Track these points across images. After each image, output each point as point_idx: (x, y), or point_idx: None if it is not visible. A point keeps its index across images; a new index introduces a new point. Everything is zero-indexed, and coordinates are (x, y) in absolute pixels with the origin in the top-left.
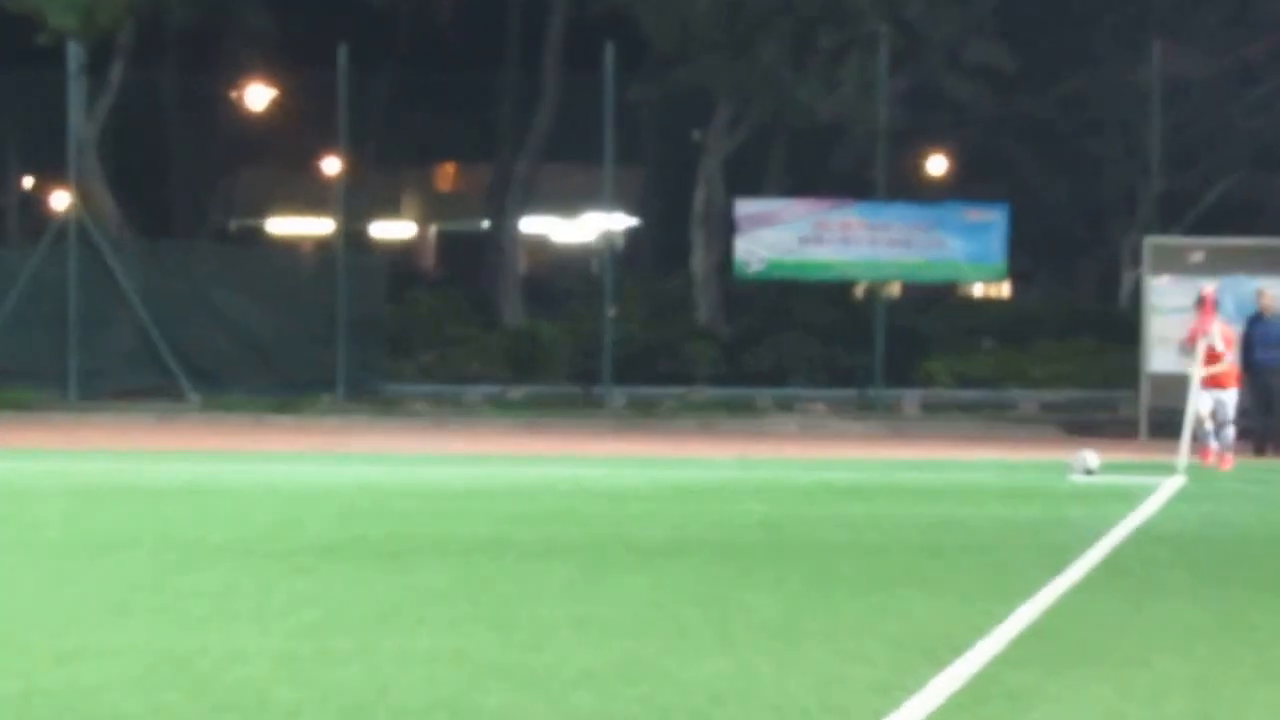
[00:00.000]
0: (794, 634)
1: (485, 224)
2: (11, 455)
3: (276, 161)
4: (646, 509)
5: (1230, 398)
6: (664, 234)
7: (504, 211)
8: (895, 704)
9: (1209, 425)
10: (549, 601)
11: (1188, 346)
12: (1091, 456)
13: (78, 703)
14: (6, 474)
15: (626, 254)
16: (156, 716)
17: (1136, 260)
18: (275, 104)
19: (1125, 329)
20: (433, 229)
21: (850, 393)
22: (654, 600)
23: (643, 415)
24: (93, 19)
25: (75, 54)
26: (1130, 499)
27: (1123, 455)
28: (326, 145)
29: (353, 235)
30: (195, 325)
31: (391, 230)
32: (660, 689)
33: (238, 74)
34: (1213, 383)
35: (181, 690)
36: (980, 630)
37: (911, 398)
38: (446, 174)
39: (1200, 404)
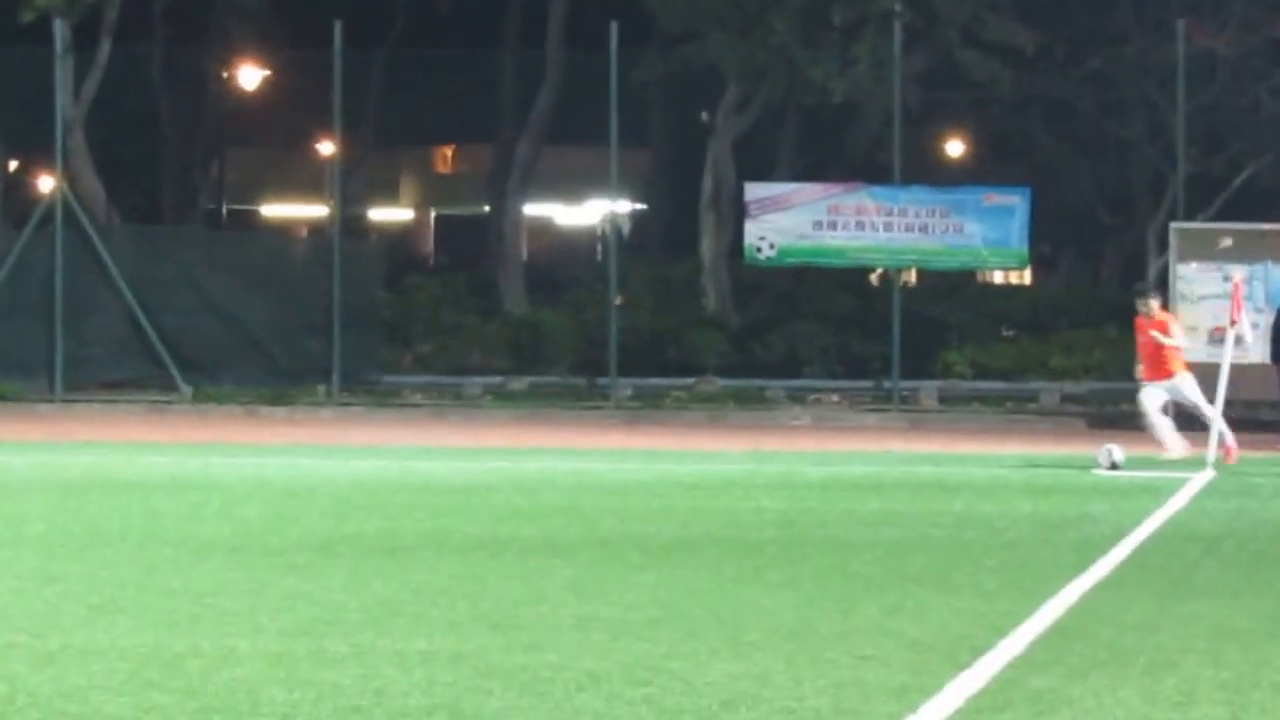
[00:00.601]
0: (808, 635)
1: (486, 208)
2: None
3: (270, 143)
4: (653, 504)
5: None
6: (671, 219)
7: (505, 195)
8: (913, 707)
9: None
10: (552, 601)
11: (1217, 335)
12: (1117, 450)
13: (63, 705)
14: None
15: (632, 240)
16: (144, 718)
17: (1163, 246)
18: (268, 84)
19: None
20: (432, 213)
21: (865, 384)
22: (661, 600)
23: (649, 407)
24: None
25: (61, 31)
26: (1157, 494)
27: (1149, 449)
28: (321, 127)
29: (349, 220)
30: (185, 313)
31: (389, 215)
32: (668, 692)
33: (229, 52)
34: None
35: (171, 692)
36: (1001, 631)
37: (929, 389)
38: (446, 156)
39: (1153, 400)
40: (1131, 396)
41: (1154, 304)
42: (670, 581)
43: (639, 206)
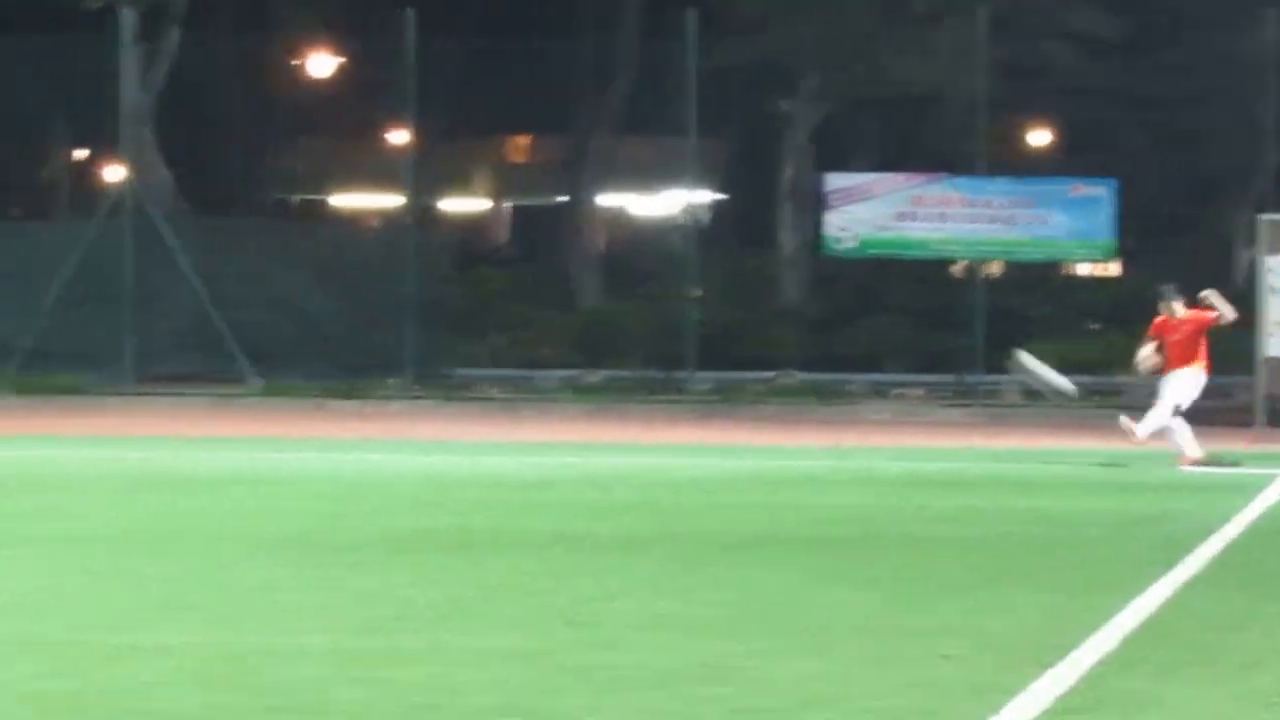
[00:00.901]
0: (888, 633)
1: (563, 198)
2: (63, 442)
3: (340, 133)
4: (731, 501)
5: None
6: (749, 210)
7: (581, 186)
8: (995, 708)
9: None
10: (627, 598)
11: None
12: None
13: (132, 702)
14: (58, 462)
15: (710, 231)
16: (214, 716)
17: (1251, 239)
18: (339, 72)
19: (1240, 311)
20: (506, 204)
21: (948, 378)
22: (739, 598)
23: (727, 401)
24: None
25: (127, 20)
26: (1245, 491)
27: (1238, 445)
28: (393, 116)
29: (421, 210)
30: (254, 305)
31: (462, 205)
32: (746, 691)
33: (299, 40)
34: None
35: (240, 689)
36: (1088, 629)
37: (1013, 384)
38: (520, 146)
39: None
40: (1222, 393)
41: (1176, 305)
42: (748, 579)
43: (717, 197)
